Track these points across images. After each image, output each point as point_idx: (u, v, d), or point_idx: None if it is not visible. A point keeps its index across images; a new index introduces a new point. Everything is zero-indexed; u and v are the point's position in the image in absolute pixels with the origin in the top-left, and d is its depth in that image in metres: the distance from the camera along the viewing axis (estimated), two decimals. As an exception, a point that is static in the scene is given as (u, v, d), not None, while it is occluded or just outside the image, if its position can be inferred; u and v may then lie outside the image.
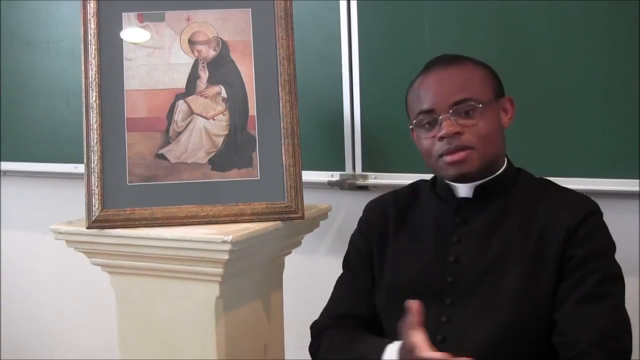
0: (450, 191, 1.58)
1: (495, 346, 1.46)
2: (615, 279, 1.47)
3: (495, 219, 1.54)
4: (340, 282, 1.70)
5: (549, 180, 1.61)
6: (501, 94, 1.57)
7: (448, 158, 1.50)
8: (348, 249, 1.71)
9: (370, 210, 1.70)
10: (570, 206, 1.51)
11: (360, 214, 1.72)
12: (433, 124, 1.51)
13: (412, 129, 1.59)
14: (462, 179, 1.54)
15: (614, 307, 1.44)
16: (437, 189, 1.62)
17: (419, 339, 1.29)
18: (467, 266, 1.52)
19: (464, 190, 1.57)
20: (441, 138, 1.49)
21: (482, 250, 1.52)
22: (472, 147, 1.49)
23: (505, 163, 1.58)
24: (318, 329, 1.66)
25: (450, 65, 1.54)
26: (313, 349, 1.66)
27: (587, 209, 1.50)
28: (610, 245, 1.51)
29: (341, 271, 1.71)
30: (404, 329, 1.32)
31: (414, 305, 1.30)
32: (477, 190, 1.55)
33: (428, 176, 1.69)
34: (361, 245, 1.67)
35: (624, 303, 1.47)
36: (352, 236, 1.71)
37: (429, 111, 1.51)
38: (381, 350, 1.44)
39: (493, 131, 1.52)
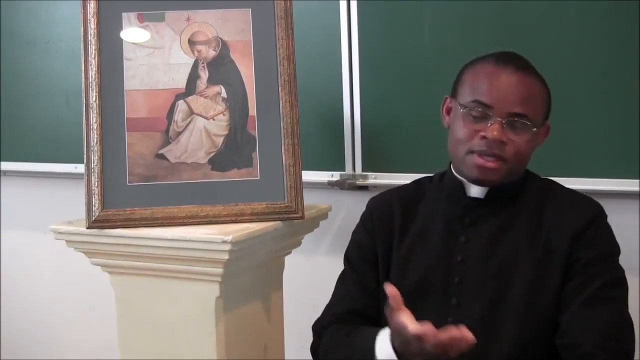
0: (461, 190, 1.57)
1: (501, 348, 1.46)
2: (619, 282, 1.48)
3: (505, 221, 1.53)
4: (342, 279, 1.68)
5: (555, 182, 1.61)
6: (547, 118, 1.56)
7: (480, 160, 1.48)
8: (350, 244, 1.69)
9: (374, 206, 1.68)
10: (576, 208, 1.51)
11: (360, 214, 1.71)
12: (482, 118, 1.48)
13: (451, 100, 1.56)
14: (481, 183, 1.53)
15: (617, 310, 1.44)
16: (446, 186, 1.61)
17: (404, 318, 1.29)
18: (474, 267, 1.52)
19: (475, 190, 1.56)
20: (484, 137, 1.47)
21: (490, 252, 1.52)
22: (506, 159, 1.48)
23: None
24: (319, 328, 1.65)
25: (525, 72, 1.50)
26: (314, 347, 1.65)
27: (593, 212, 1.51)
28: (616, 248, 1.51)
29: (341, 270, 1.71)
30: (388, 313, 1.32)
31: (390, 289, 1.30)
32: (489, 192, 1.55)
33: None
34: (364, 240, 1.65)
35: (627, 306, 1.48)
36: (355, 232, 1.70)
37: (486, 105, 1.48)
38: (374, 337, 1.42)
39: (529, 151, 1.52)
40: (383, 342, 1.39)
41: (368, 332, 1.47)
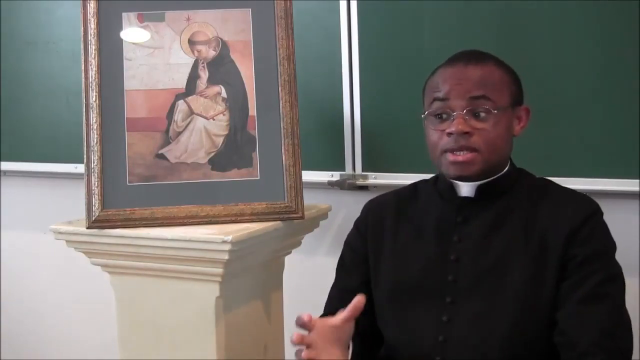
0: (453, 190, 1.58)
1: (496, 346, 1.46)
2: (616, 279, 1.47)
3: (497, 218, 1.54)
4: (335, 282, 1.70)
5: (550, 181, 1.62)
6: (519, 102, 1.56)
7: (451, 157, 1.50)
8: (343, 248, 1.71)
9: (368, 209, 1.70)
10: (572, 206, 1.51)
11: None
12: (445, 117, 1.51)
13: (424, 118, 1.57)
14: (462, 179, 1.54)
15: (614, 307, 1.44)
16: (439, 187, 1.62)
17: None
18: (468, 265, 1.52)
19: (466, 189, 1.57)
20: (449, 134, 1.49)
21: (483, 250, 1.52)
22: (477, 149, 1.49)
23: (508, 164, 1.58)
24: None
25: (472, 61, 1.52)
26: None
27: (588, 209, 1.50)
28: (611, 246, 1.51)
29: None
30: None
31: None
32: (479, 189, 1.55)
33: (428, 176, 1.69)
34: (357, 244, 1.67)
35: (624, 303, 1.48)
36: (349, 235, 1.71)
37: (444, 99, 1.50)
38: None
39: (502, 138, 1.51)
40: None
41: None
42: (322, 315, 1.65)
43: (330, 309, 1.63)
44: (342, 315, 1.42)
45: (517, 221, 1.53)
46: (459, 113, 1.48)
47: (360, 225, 1.68)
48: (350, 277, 1.65)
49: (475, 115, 1.49)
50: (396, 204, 1.66)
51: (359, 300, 1.41)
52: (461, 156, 1.49)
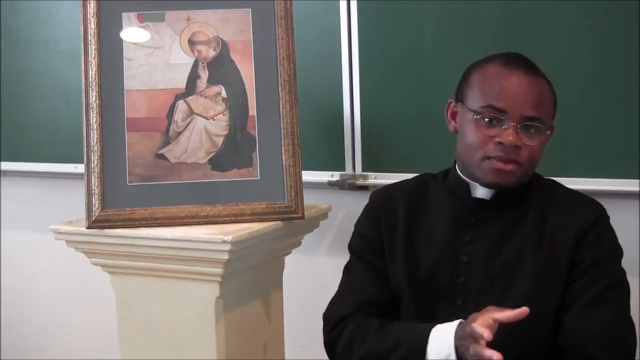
0: (467, 190, 1.56)
1: (501, 348, 1.46)
2: (622, 283, 1.48)
3: (511, 222, 1.53)
4: (350, 270, 1.64)
5: (556, 182, 1.61)
6: (553, 119, 1.55)
7: (498, 165, 1.47)
8: (354, 236, 1.66)
9: (377, 198, 1.66)
10: (580, 209, 1.51)
11: (361, 212, 1.70)
12: (495, 123, 1.47)
13: (457, 104, 1.55)
14: (496, 186, 1.52)
15: (619, 311, 1.45)
16: (451, 186, 1.59)
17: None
18: (479, 267, 1.51)
19: (481, 191, 1.55)
20: (499, 143, 1.46)
21: (495, 252, 1.51)
22: (521, 163, 1.47)
23: None
24: (335, 318, 1.58)
25: (535, 74, 1.50)
26: (330, 338, 1.58)
27: (596, 213, 1.51)
28: (618, 250, 1.52)
29: (341, 269, 1.69)
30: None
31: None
32: (497, 193, 1.54)
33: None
34: (369, 232, 1.62)
35: (629, 306, 1.48)
36: (358, 223, 1.67)
37: (500, 110, 1.46)
38: (425, 335, 1.39)
39: (541, 154, 1.51)
40: (441, 333, 1.37)
41: (412, 326, 1.45)
42: (342, 299, 1.60)
43: (360, 295, 1.57)
44: (503, 315, 1.32)
45: (529, 224, 1.52)
46: (513, 124, 1.46)
47: (371, 214, 1.64)
48: (374, 263, 1.60)
49: (526, 129, 1.47)
50: (405, 197, 1.62)
51: (523, 310, 1.32)
52: (508, 166, 1.47)
